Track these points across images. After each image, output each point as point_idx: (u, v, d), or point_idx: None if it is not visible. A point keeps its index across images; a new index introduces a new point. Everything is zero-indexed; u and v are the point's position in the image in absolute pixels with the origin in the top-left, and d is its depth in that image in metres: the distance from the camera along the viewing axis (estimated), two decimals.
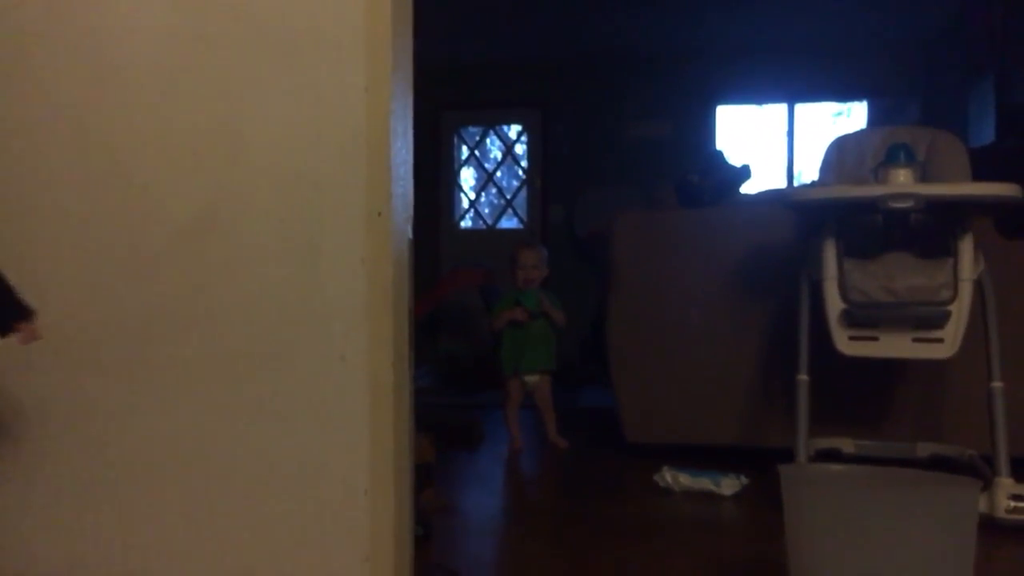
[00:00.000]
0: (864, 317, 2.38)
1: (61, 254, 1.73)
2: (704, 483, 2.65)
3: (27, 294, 1.73)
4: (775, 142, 7.14)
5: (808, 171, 7.01)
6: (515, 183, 7.63)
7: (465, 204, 7.71)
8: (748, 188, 3.45)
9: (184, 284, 1.68)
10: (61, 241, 1.73)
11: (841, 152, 2.78)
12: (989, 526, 2.16)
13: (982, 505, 2.19)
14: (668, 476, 2.70)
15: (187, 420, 1.67)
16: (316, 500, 1.62)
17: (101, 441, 1.71)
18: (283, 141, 1.65)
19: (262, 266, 1.65)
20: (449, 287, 5.53)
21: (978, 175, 2.54)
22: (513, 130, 7.62)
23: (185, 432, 1.67)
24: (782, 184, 6.87)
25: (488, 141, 7.74)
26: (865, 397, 3.01)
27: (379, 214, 1.61)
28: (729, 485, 2.63)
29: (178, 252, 1.68)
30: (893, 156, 2.39)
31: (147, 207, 1.70)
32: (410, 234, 1.71)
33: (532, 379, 3.44)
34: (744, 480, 2.66)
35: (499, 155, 7.72)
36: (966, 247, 2.33)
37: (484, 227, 7.66)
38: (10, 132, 1.75)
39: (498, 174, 7.69)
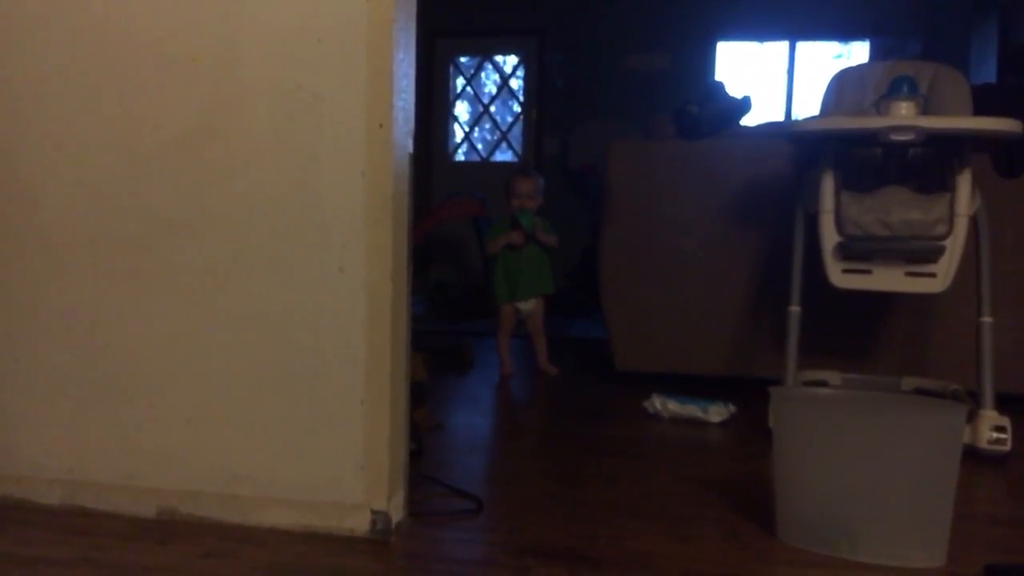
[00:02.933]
0: (858, 250, 2.39)
1: (56, 160, 1.72)
2: (692, 410, 2.68)
3: (23, 200, 1.73)
4: (775, 80, 7.07)
5: (807, 111, 6.96)
6: (509, 118, 7.55)
7: (459, 137, 7.63)
8: (747, 120, 3.43)
9: (181, 191, 1.67)
10: (56, 148, 1.72)
11: (842, 85, 2.76)
12: (972, 456, 2.22)
13: (966, 436, 2.23)
14: (657, 402, 2.73)
15: (184, 325, 1.68)
16: (313, 408, 1.64)
17: (98, 345, 1.72)
18: (282, 49, 1.63)
19: (260, 175, 1.64)
20: (444, 215, 5.51)
21: (979, 113, 2.52)
22: (509, 64, 7.51)
23: (182, 337, 1.68)
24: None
25: (483, 75, 7.63)
26: (853, 331, 3.05)
27: (380, 126, 1.60)
28: (717, 412, 2.67)
29: (175, 158, 1.67)
30: (896, 89, 2.36)
31: (143, 113, 1.68)
32: (411, 148, 1.69)
33: (527, 306, 3.44)
34: (732, 408, 2.70)
35: (494, 89, 7.62)
36: (964, 182, 2.33)
37: (478, 160, 7.60)
38: (4, 38, 1.72)
39: (492, 108, 7.60)
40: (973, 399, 2.42)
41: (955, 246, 2.32)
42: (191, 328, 1.68)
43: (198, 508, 1.69)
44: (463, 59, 7.56)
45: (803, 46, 7.00)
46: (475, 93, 7.62)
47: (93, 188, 1.70)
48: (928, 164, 2.45)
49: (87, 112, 1.69)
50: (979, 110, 2.54)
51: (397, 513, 1.68)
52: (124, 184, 1.69)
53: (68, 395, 1.74)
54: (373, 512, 1.63)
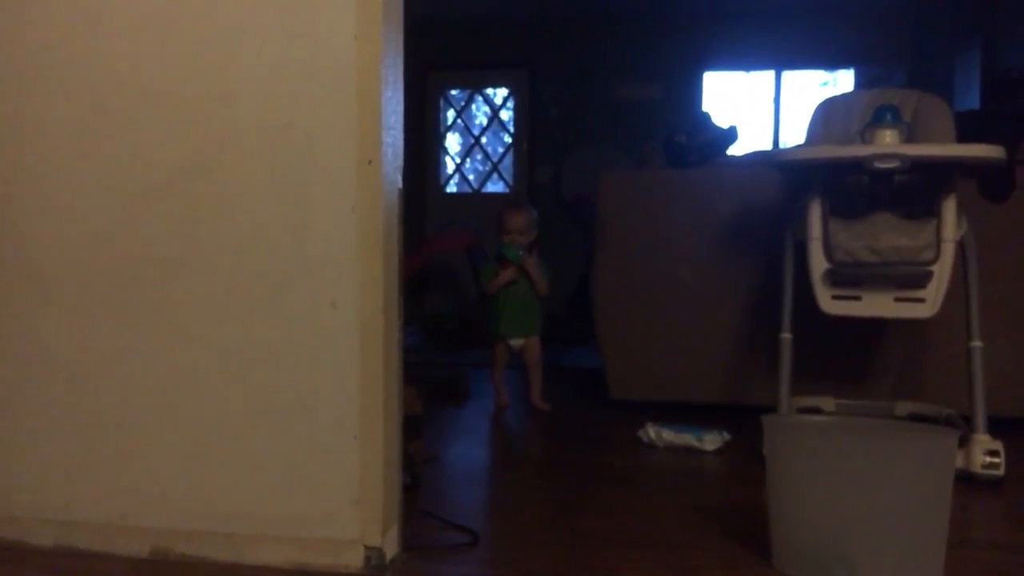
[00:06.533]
0: (847, 277, 2.40)
1: (49, 198, 1.73)
2: (687, 439, 2.68)
3: (15, 237, 1.74)
4: (762, 109, 7.14)
5: (794, 139, 7.03)
6: (500, 149, 7.60)
7: (450, 168, 7.68)
8: (734, 150, 3.46)
9: (173, 228, 1.68)
10: (49, 185, 1.73)
11: (828, 113, 2.79)
12: (965, 480, 2.22)
13: (959, 460, 2.23)
14: (651, 431, 2.73)
15: (177, 362, 1.68)
16: (307, 444, 1.64)
17: (92, 382, 1.72)
18: (273, 88, 1.65)
19: (252, 212, 1.66)
20: (438, 246, 5.53)
21: (963, 139, 2.55)
22: (499, 95, 7.58)
23: (176, 374, 1.69)
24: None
25: (474, 107, 7.70)
26: (846, 357, 3.05)
27: (369, 162, 1.61)
28: (712, 441, 2.67)
29: (166, 196, 1.68)
30: (880, 117, 2.40)
31: (135, 151, 1.69)
32: (400, 183, 1.71)
33: (518, 342, 3.42)
34: (727, 436, 2.70)
35: (484, 120, 7.68)
36: (950, 208, 2.36)
37: (470, 191, 7.65)
38: None
39: (483, 140, 7.66)
40: (968, 423, 2.42)
41: (943, 271, 2.34)
42: (183, 365, 1.68)
43: (192, 547, 1.68)
44: (453, 92, 7.64)
45: (789, 75, 7.09)
46: (466, 125, 7.68)
47: (85, 226, 1.71)
48: (914, 190, 2.47)
49: (80, 150, 1.71)
50: (962, 136, 2.57)
51: (392, 548, 1.67)
52: (116, 221, 1.70)
53: (60, 434, 1.74)
54: (367, 548, 1.63)
